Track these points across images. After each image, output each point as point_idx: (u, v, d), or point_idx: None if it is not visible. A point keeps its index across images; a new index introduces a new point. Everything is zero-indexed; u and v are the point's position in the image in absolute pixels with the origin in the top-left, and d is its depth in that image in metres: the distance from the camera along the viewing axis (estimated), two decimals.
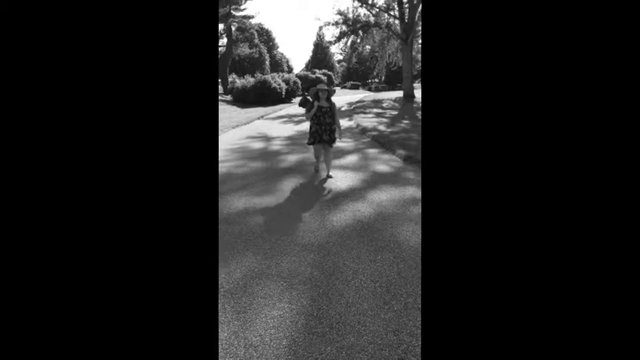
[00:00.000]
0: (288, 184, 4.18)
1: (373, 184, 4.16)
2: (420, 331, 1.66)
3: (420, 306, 1.85)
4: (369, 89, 37.97)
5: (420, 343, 1.59)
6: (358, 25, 18.04)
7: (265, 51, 33.13)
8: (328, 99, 4.36)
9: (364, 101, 18.58)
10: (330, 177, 4.41)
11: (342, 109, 15.30)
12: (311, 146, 4.91)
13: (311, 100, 4.37)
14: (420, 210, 3.26)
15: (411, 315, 1.78)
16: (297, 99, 21.97)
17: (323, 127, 4.30)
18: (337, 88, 38.55)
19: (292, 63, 42.22)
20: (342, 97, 23.75)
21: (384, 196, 3.68)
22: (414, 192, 3.80)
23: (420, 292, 1.98)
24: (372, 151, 6.19)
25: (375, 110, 13.61)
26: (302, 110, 15.22)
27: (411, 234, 2.74)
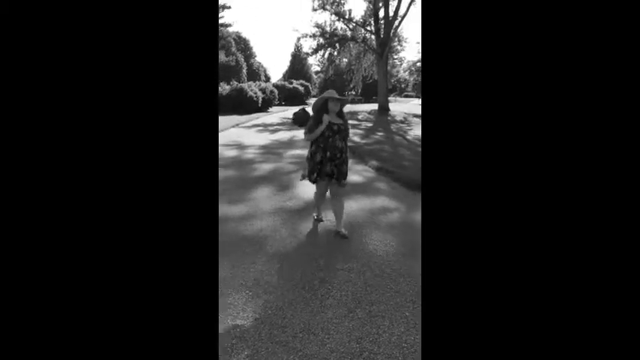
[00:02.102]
0: (261, 193, 4.14)
1: (345, 193, 4.20)
2: (382, 339, 1.68)
3: (383, 314, 1.87)
4: None
5: (381, 350, 1.61)
6: (335, 39, 18.42)
7: (242, 59, 33.02)
8: (340, 112, 2.90)
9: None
10: (345, 236, 2.85)
11: None
12: (303, 181, 3.08)
13: (313, 114, 2.94)
14: (389, 219, 3.32)
15: (374, 323, 1.80)
16: (274, 108, 21.83)
17: (330, 155, 2.78)
18: (314, 99, 38.71)
19: (270, 72, 42.29)
20: None
21: (354, 205, 3.72)
22: (384, 201, 3.87)
23: (383, 300, 2.01)
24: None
25: (351, 122, 13.82)
26: (275, 119, 14.98)
27: (379, 243, 2.79)
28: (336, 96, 2.83)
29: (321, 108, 2.85)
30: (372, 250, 2.67)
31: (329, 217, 3.33)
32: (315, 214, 3.29)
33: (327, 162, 2.83)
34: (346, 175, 2.90)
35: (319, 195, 3.07)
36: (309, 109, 3.08)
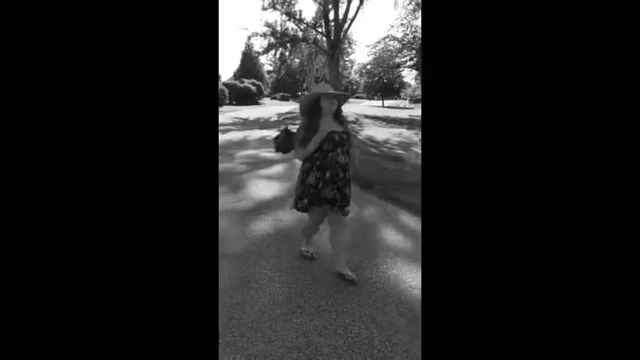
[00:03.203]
0: None
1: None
2: (328, 331, 1.74)
3: (330, 308, 1.93)
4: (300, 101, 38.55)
5: (327, 342, 1.66)
6: (286, 39, 18.38)
7: None
8: (338, 115, 2.12)
9: (294, 112, 18.84)
10: (352, 280, 2.16)
11: (272, 119, 15.31)
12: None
13: (302, 120, 2.15)
14: None
15: (322, 317, 1.85)
16: (225, 108, 21.17)
17: (330, 175, 2.05)
18: (267, 99, 38.30)
19: (220, 71, 41.03)
20: (273, 108, 23.80)
21: None
22: None
23: (331, 294, 2.07)
24: (298, 161, 6.28)
25: None
26: (226, 119, 14.54)
27: (328, 239, 2.85)
28: (332, 91, 2.01)
29: (313, 109, 2.07)
30: (322, 246, 2.72)
31: (280, 217, 3.33)
32: (303, 249, 2.51)
33: (327, 184, 2.06)
34: (349, 199, 2.14)
35: (311, 225, 2.35)
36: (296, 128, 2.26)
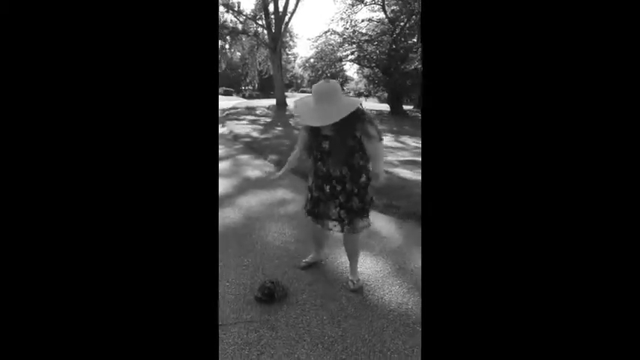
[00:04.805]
0: None
1: (243, 189, 4.15)
2: (279, 324, 1.75)
3: (280, 300, 1.94)
4: (243, 96, 37.66)
5: (278, 334, 1.67)
6: (225, 31, 17.74)
7: None
8: (350, 116, 1.62)
9: (238, 108, 18.31)
10: (354, 289, 2.03)
11: None
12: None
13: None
14: (287, 210, 3.42)
15: (272, 310, 1.85)
16: None
17: (329, 189, 1.82)
18: None
19: None
20: None
21: (253, 200, 3.72)
22: (283, 194, 3.96)
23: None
24: (244, 157, 6.17)
25: (249, 117, 13.60)
26: None
27: (278, 234, 2.85)
28: (315, 115, 1.62)
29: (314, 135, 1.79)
30: (271, 241, 2.72)
31: (227, 214, 3.25)
32: (307, 261, 2.32)
33: (328, 199, 1.83)
34: (362, 211, 1.84)
35: (312, 236, 2.27)
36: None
